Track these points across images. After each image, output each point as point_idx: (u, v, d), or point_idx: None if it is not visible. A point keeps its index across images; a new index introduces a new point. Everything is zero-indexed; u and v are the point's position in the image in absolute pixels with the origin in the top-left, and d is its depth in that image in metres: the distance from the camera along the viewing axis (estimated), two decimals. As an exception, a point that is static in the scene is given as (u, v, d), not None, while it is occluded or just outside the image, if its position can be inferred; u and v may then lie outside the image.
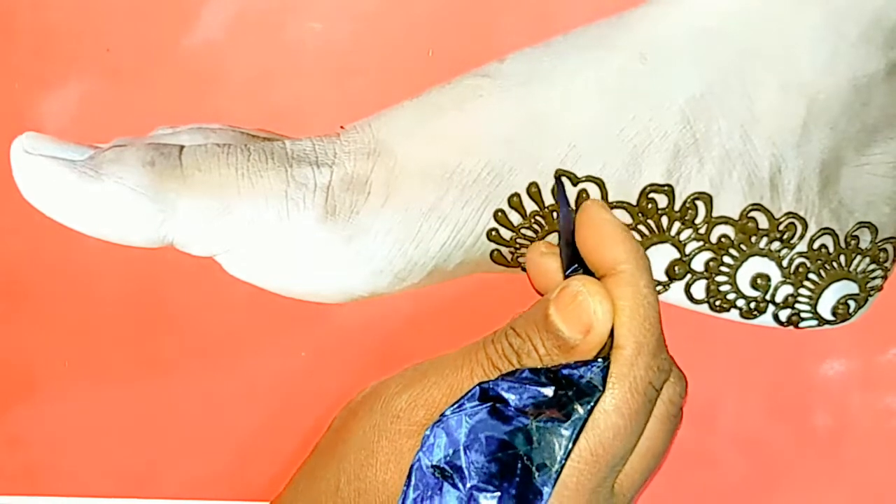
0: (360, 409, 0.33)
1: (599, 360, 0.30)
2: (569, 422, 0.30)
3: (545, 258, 0.34)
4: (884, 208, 0.36)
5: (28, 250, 0.38)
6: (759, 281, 0.35)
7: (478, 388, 0.30)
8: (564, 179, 0.33)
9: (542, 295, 0.36)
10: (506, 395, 0.30)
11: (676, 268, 0.35)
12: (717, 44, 0.33)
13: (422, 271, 0.34)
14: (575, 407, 0.30)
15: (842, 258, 0.36)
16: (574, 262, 0.33)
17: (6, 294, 0.38)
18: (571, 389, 0.30)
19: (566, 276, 0.32)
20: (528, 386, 0.30)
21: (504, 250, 0.35)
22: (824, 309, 0.36)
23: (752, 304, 0.36)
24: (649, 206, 0.34)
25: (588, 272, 0.32)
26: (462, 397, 0.30)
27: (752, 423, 0.40)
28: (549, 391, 0.30)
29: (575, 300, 0.30)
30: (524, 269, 0.35)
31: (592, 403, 0.30)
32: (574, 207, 0.34)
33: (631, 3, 0.34)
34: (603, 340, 0.31)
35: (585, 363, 0.30)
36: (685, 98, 0.33)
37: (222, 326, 0.38)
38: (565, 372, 0.30)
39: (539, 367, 0.31)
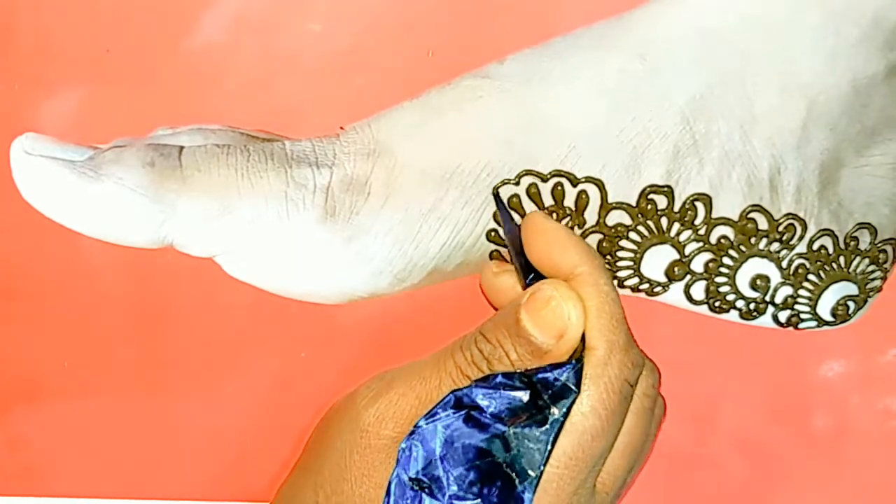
0: (332, 424, 0.32)
1: (572, 361, 0.30)
2: (546, 426, 0.30)
3: (499, 277, 0.34)
4: (883, 209, 0.36)
5: (28, 251, 0.38)
6: (758, 282, 0.35)
7: (452, 396, 0.30)
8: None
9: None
10: (480, 402, 0.30)
11: (676, 269, 0.35)
12: (717, 45, 0.33)
13: (421, 272, 0.34)
14: (551, 411, 0.30)
15: (841, 259, 0.36)
16: (530, 272, 0.32)
17: (6, 294, 0.38)
18: (547, 393, 0.30)
19: (527, 286, 0.32)
20: (502, 392, 0.30)
21: (504, 251, 0.35)
22: (824, 310, 0.36)
23: (752, 305, 0.36)
24: (649, 207, 0.34)
25: (543, 278, 0.32)
26: (436, 406, 0.30)
27: (751, 424, 0.40)
28: (524, 396, 0.30)
29: (548, 305, 0.30)
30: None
31: (568, 405, 0.30)
32: (518, 221, 0.34)
33: (631, 4, 0.34)
34: (576, 344, 0.30)
35: (558, 365, 0.30)
36: (685, 99, 0.33)
37: (222, 327, 0.38)
38: (539, 376, 0.30)
39: (512, 371, 0.30)
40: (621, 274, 0.35)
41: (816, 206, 0.35)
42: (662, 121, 0.33)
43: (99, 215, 0.32)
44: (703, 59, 0.33)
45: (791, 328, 0.37)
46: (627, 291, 0.36)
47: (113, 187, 0.32)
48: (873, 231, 0.36)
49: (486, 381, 0.30)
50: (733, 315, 0.36)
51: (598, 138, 0.33)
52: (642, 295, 0.36)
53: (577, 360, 0.30)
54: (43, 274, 0.38)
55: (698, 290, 0.36)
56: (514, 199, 0.34)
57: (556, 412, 0.30)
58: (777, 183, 0.34)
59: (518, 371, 0.30)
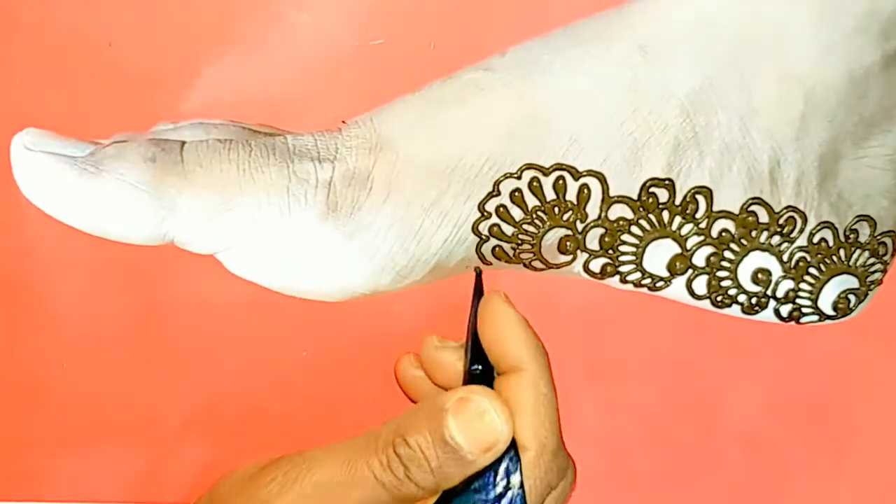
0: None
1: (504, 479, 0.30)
2: None
3: (440, 352, 0.34)
4: (882, 202, 0.36)
5: (28, 248, 0.37)
6: (760, 276, 0.35)
7: None
8: None
9: (440, 387, 0.36)
10: None
11: (678, 263, 0.35)
12: (716, 36, 0.33)
13: (424, 268, 0.34)
14: None
15: (841, 252, 0.36)
16: (477, 356, 0.32)
17: (6, 292, 0.38)
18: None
19: (468, 372, 0.32)
20: None
21: (506, 246, 0.34)
22: (825, 304, 0.36)
23: (754, 300, 0.36)
24: (650, 200, 0.34)
25: (488, 367, 0.32)
26: None
27: (754, 421, 0.40)
28: None
29: (482, 419, 0.30)
30: (525, 266, 0.35)
31: None
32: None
33: (630, -3, 0.34)
34: (499, 455, 0.30)
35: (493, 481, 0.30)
36: (685, 91, 0.33)
37: (223, 325, 0.38)
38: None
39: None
40: (623, 269, 0.35)
41: (816, 198, 0.35)
42: (663, 113, 0.33)
43: (100, 211, 0.32)
44: (703, 51, 0.33)
45: (793, 322, 0.37)
46: (630, 287, 0.36)
47: (114, 183, 0.32)
48: (872, 223, 0.36)
49: None
50: (735, 310, 0.36)
51: (600, 131, 0.33)
52: (644, 290, 0.36)
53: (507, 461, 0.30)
54: (43, 272, 0.38)
55: (700, 285, 0.36)
56: (516, 194, 0.34)
57: None
58: (777, 175, 0.34)
59: None
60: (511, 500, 0.30)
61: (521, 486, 0.30)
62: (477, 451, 0.30)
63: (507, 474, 0.30)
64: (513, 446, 0.30)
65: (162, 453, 0.39)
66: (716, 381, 0.39)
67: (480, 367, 0.32)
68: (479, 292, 0.34)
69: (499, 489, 0.30)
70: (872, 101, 0.35)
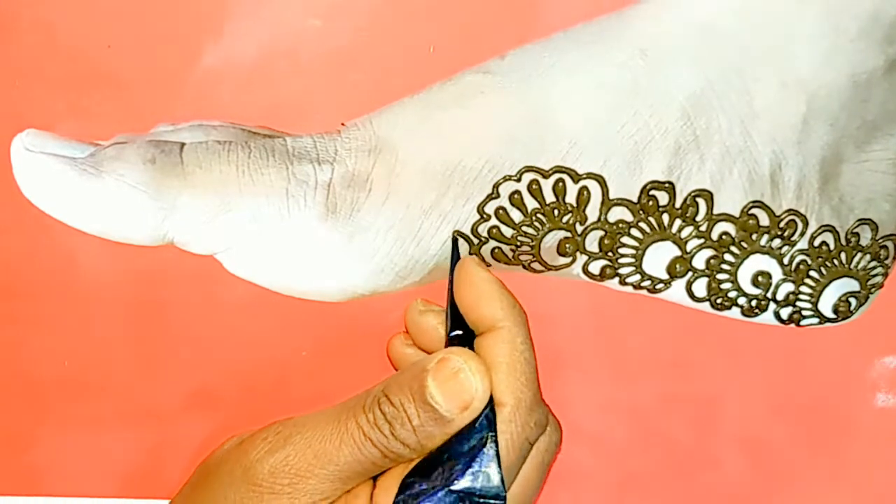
0: (220, 470, 0.32)
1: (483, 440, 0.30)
2: None
3: (424, 316, 0.34)
4: (884, 205, 0.36)
5: (28, 248, 0.38)
6: (760, 279, 0.35)
7: None
8: None
9: (425, 351, 0.36)
10: None
11: (678, 265, 0.35)
12: (717, 40, 0.33)
13: (423, 269, 0.34)
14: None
15: (842, 255, 0.36)
16: (457, 321, 0.32)
17: (6, 292, 0.38)
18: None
19: (449, 337, 0.32)
20: None
21: (505, 248, 0.35)
22: (825, 307, 0.36)
23: (754, 302, 0.36)
24: (650, 203, 0.34)
25: (469, 331, 0.32)
26: None
27: (753, 422, 0.40)
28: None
29: (456, 377, 0.30)
30: (525, 267, 0.35)
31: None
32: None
33: (631, -1, 0.34)
34: (478, 413, 0.30)
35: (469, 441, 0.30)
36: (685, 94, 0.33)
37: (222, 325, 0.38)
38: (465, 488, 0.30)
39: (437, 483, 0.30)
40: (623, 271, 0.35)
41: (817, 201, 0.35)
42: (663, 116, 0.33)
43: (100, 212, 0.32)
44: (703, 54, 0.33)
45: (793, 325, 0.37)
46: (629, 288, 0.36)
47: (114, 184, 0.32)
48: (874, 227, 0.36)
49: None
50: (735, 312, 0.36)
51: (600, 134, 0.33)
52: (644, 292, 0.36)
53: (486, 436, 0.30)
54: (43, 272, 0.38)
55: (700, 287, 0.36)
56: (516, 196, 0.34)
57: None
58: (778, 179, 0.34)
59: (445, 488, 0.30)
60: (484, 454, 0.30)
61: (495, 441, 0.30)
62: (455, 410, 0.30)
63: (483, 429, 0.30)
64: (489, 402, 0.30)
65: (162, 451, 0.39)
66: (715, 382, 0.39)
67: (461, 332, 0.32)
68: (456, 258, 0.33)
69: (473, 442, 0.30)
70: (875, 105, 0.34)
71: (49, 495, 0.41)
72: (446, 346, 0.33)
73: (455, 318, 0.33)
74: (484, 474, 0.30)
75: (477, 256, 0.34)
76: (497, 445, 0.30)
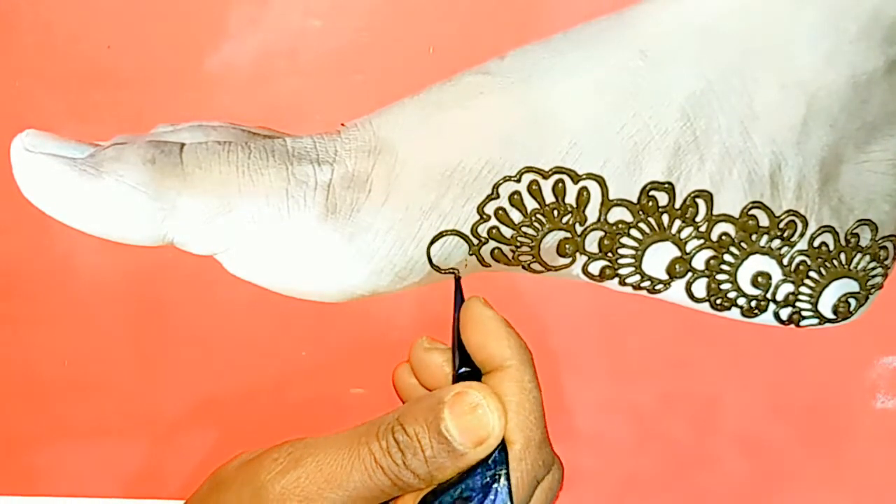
0: (230, 487, 0.32)
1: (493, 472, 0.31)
2: None
3: (429, 353, 0.34)
4: (884, 206, 0.36)
5: (28, 249, 0.38)
6: (759, 279, 0.35)
7: None
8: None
9: (428, 389, 0.36)
10: None
11: (677, 266, 0.35)
12: (717, 41, 0.33)
13: (422, 270, 0.34)
14: None
15: (842, 256, 0.36)
16: (464, 359, 0.33)
17: (6, 292, 0.38)
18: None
19: (456, 375, 0.33)
20: None
21: (505, 248, 0.35)
22: (825, 307, 0.36)
23: (753, 303, 0.36)
24: (650, 203, 0.34)
25: (475, 369, 0.32)
26: None
27: (752, 422, 0.40)
28: None
29: (474, 412, 0.30)
30: (525, 268, 0.35)
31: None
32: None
33: (631, 0, 0.34)
34: (491, 450, 0.31)
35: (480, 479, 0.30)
36: (685, 95, 0.33)
37: (222, 325, 0.38)
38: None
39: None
40: (623, 271, 0.35)
41: (817, 202, 0.35)
42: (663, 117, 0.33)
43: (99, 213, 0.32)
44: (703, 55, 0.33)
45: (793, 326, 0.37)
46: (629, 289, 0.36)
47: (114, 184, 0.32)
48: (874, 227, 0.36)
49: None
50: (735, 313, 0.36)
51: (599, 135, 0.33)
52: (644, 293, 0.36)
53: (494, 465, 0.30)
54: (43, 272, 0.38)
55: (700, 288, 0.36)
56: (515, 197, 0.34)
57: None
58: (778, 179, 0.34)
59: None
60: (497, 491, 0.30)
61: (508, 478, 0.30)
62: (469, 444, 0.30)
63: (495, 466, 0.30)
64: (501, 440, 0.31)
65: (162, 451, 0.39)
66: (714, 383, 0.39)
67: (468, 370, 0.32)
68: (459, 298, 0.34)
69: (486, 480, 0.30)
70: (875, 106, 0.34)
71: (49, 495, 0.41)
72: (454, 382, 0.33)
73: (462, 356, 0.33)
74: None
75: (482, 297, 0.34)
76: (510, 483, 0.30)
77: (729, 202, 0.34)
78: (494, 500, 0.30)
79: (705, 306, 0.36)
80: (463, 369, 0.33)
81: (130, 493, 0.40)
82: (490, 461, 0.30)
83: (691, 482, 0.41)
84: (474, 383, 0.32)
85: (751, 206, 0.34)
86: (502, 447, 0.31)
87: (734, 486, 0.41)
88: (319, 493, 0.30)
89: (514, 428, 0.31)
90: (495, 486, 0.30)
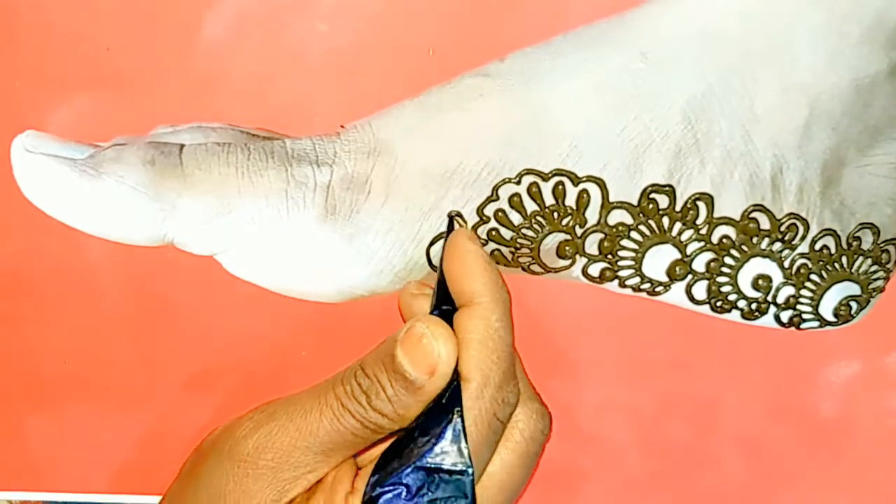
0: (210, 452, 0.32)
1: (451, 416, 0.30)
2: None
3: (416, 299, 0.34)
4: (886, 209, 0.36)
5: (29, 249, 0.38)
6: (760, 282, 0.35)
7: None
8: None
9: None
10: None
11: (678, 268, 0.35)
12: (718, 44, 0.33)
13: (422, 271, 0.34)
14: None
15: (843, 259, 0.36)
16: (442, 297, 0.32)
17: (7, 292, 0.38)
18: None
19: (432, 313, 0.32)
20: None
21: (504, 250, 0.35)
22: (826, 310, 0.36)
23: (754, 305, 0.36)
24: (650, 206, 0.34)
25: (454, 306, 0.32)
26: None
27: (753, 424, 0.40)
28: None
29: (419, 342, 0.30)
30: (524, 269, 0.35)
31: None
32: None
33: (632, 2, 0.34)
34: (447, 380, 0.30)
35: (438, 422, 0.30)
36: (686, 98, 0.33)
37: (222, 326, 0.38)
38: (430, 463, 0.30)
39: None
40: (623, 273, 0.35)
41: (819, 205, 0.35)
42: (664, 120, 0.33)
43: (99, 213, 0.32)
44: (705, 57, 0.33)
45: (793, 328, 0.37)
46: (629, 291, 0.36)
47: (113, 185, 0.32)
48: (876, 231, 0.36)
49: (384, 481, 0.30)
50: (735, 315, 0.36)
51: (600, 137, 0.33)
52: (643, 294, 0.36)
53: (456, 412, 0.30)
54: (43, 272, 0.38)
55: (700, 290, 0.36)
56: (515, 199, 0.34)
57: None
58: (779, 182, 0.34)
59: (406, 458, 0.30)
60: (454, 429, 0.30)
61: (461, 415, 0.30)
62: (422, 375, 0.30)
63: (449, 404, 0.30)
64: (457, 378, 0.30)
65: (161, 451, 0.40)
66: (714, 384, 0.39)
67: (447, 307, 0.32)
68: (449, 233, 0.33)
69: (441, 418, 0.30)
70: (877, 110, 0.34)
71: (48, 490, 0.41)
72: None
73: (442, 293, 0.32)
74: (451, 449, 0.30)
75: (471, 230, 0.34)
76: (463, 421, 0.30)
77: (730, 205, 0.34)
78: (450, 438, 0.30)
79: (705, 308, 0.36)
80: (442, 306, 0.32)
81: (130, 489, 0.41)
82: (443, 401, 0.30)
83: (691, 483, 0.41)
84: (422, 316, 0.31)
85: (752, 208, 0.34)
86: (456, 386, 0.30)
87: (734, 487, 0.41)
88: (292, 443, 0.30)
89: (473, 366, 0.30)
90: (450, 425, 0.30)
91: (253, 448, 0.31)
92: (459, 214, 0.33)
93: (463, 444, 0.30)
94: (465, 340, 0.30)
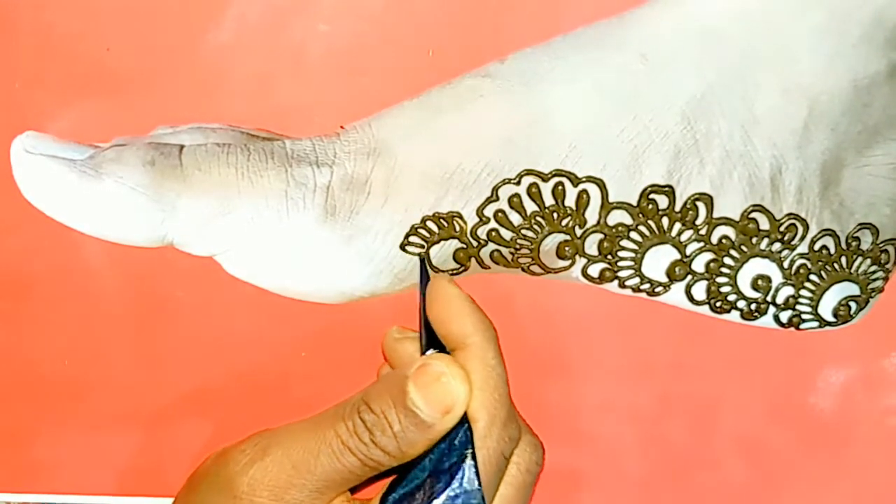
0: (203, 484, 0.31)
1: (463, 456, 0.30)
2: None
3: (400, 343, 0.34)
4: (885, 210, 0.36)
5: (28, 249, 0.38)
6: (759, 282, 0.35)
7: None
8: None
9: None
10: None
11: (677, 269, 0.35)
12: (718, 44, 0.33)
13: (422, 271, 0.34)
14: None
15: (843, 259, 0.36)
16: (431, 340, 0.32)
17: (7, 293, 0.38)
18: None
19: (423, 355, 0.32)
20: None
21: (504, 251, 0.35)
22: (825, 310, 0.36)
23: (753, 306, 0.36)
24: (650, 206, 0.34)
25: (443, 350, 0.32)
26: None
27: (753, 424, 0.40)
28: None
29: (438, 381, 0.30)
30: (524, 270, 0.35)
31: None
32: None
33: (631, 3, 0.34)
34: (458, 419, 0.30)
35: (450, 458, 0.30)
36: (685, 98, 0.33)
37: (222, 326, 0.38)
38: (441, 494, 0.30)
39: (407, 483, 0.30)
40: (622, 274, 0.35)
41: (818, 206, 0.35)
42: (663, 120, 0.33)
43: (99, 214, 0.32)
44: (704, 58, 0.33)
45: (792, 329, 0.37)
46: (629, 291, 0.36)
47: (113, 186, 0.32)
48: (875, 231, 0.36)
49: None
50: (734, 315, 0.36)
51: (599, 138, 0.33)
52: (643, 295, 0.36)
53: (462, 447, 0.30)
54: (43, 273, 0.38)
55: (699, 291, 0.36)
56: (515, 199, 0.34)
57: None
58: (778, 183, 0.34)
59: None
60: (465, 470, 0.30)
61: (474, 457, 0.30)
62: (436, 414, 0.30)
63: (461, 446, 0.30)
64: (465, 420, 0.30)
65: (161, 450, 0.40)
66: (714, 385, 0.39)
67: (435, 350, 0.32)
68: (425, 278, 0.33)
69: (454, 459, 0.30)
70: (877, 110, 0.34)
71: (49, 492, 0.42)
72: None
73: (430, 336, 0.33)
74: (465, 490, 0.30)
75: (448, 274, 0.34)
76: (476, 461, 0.30)
77: (729, 205, 0.34)
78: (462, 478, 0.30)
79: (705, 309, 0.36)
80: (430, 351, 0.32)
81: (129, 490, 0.41)
82: (456, 441, 0.30)
83: (691, 483, 0.41)
84: (436, 354, 0.31)
85: (751, 209, 0.34)
86: (467, 427, 0.30)
87: (734, 488, 0.41)
88: (288, 480, 0.30)
89: (478, 405, 0.30)
90: (462, 465, 0.30)
91: (248, 485, 0.30)
92: (427, 256, 0.34)
93: (477, 485, 0.30)
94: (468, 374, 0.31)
